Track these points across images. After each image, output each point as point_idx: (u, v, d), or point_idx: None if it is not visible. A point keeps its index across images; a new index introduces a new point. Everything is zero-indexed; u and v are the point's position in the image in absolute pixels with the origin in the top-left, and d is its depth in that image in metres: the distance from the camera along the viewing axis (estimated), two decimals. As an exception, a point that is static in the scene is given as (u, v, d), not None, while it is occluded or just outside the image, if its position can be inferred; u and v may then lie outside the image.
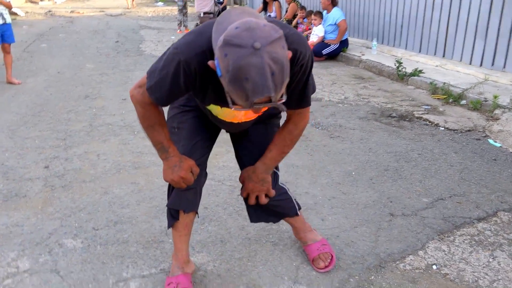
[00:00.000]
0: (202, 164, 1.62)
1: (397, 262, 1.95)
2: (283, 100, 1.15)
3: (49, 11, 16.27)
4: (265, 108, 1.36)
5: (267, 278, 1.82)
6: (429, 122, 3.85)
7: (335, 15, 6.50)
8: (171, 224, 1.69)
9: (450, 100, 4.40)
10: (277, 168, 1.74)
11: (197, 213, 1.71)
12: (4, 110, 4.12)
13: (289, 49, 1.15)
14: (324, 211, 2.35)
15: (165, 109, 1.53)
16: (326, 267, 1.86)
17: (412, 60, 5.93)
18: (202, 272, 1.85)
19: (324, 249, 1.90)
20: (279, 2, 9.25)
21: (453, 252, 2.02)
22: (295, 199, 1.85)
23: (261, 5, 9.60)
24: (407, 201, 2.49)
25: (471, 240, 2.12)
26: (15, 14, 15.03)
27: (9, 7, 5.00)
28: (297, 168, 2.88)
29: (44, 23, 12.28)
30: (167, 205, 1.66)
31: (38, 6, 18.48)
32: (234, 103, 1.15)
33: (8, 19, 4.99)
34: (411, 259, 1.97)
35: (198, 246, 2.03)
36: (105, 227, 2.17)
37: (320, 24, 6.75)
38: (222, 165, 2.90)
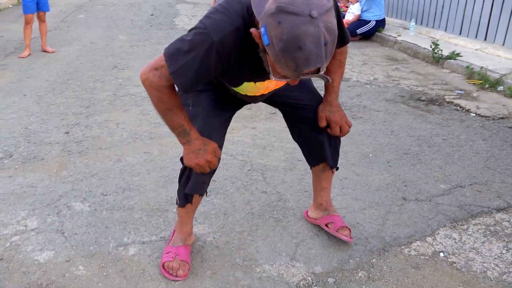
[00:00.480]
0: (220, 147, 1.58)
1: (402, 247, 1.88)
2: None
3: (91, -17, 16.50)
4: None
5: (264, 253, 1.80)
6: (460, 107, 3.66)
7: (372, -9, 6.24)
8: (183, 205, 1.65)
9: (486, 86, 4.16)
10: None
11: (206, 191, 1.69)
12: (35, 77, 4.24)
13: None
14: (334, 191, 2.29)
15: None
16: (350, 237, 1.81)
17: (451, 43, 5.63)
18: (201, 243, 1.85)
19: (345, 224, 1.86)
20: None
21: (464, 241, 1.93)
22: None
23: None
24: (423, 186, 2.39)
25: (486, 230, 2.01)
26: (58, -15, 15.34)
27: None
28: (312, 147, 2.82)
29: (84, -5, 12.50)
30: (185, 192, 1.58)
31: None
32: (276, 74, 1.15)
33: None
34: (417, 245, 1.90)
35: (201, 217, 2.03)
36: (113, 193, 2.21)
37: (357, 2, 6.51)
38: (237, 140, 2.88)
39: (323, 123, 1.69)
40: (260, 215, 2.06)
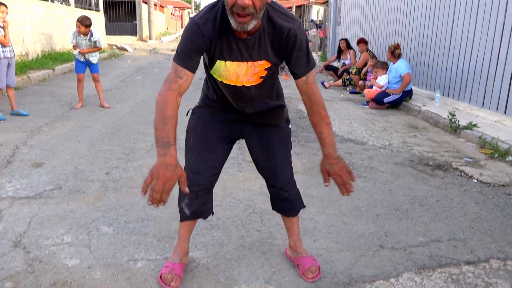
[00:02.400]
0: (210, 181, 2.00)
1: (366, 283, 2.18)
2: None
3: (154, 48, 18.36)
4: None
5: (245, 276, 2.17)
6: (464, 173, 3.91)
7: (399, 67, 6.72)
8: (184, 220, 2.09)
9: (496, 155, 4.38)
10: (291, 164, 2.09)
11: (212, 213, 2.14)
12: (90, 127, 4.99)
13: (280, 26, 1.67)
14: (319, 235, 2.64)
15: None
16: (313, 277, 2.14)
17: (472, 114, 5.91)
18: (195, 264, 2.25)
19: (315, 263, 2.19)
20: (354, 51, 9.65)
21: (424, 284, 2.19)
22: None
23: (335, 54, 10.07)
24: (402, 237, 2.67)
25: (448, 278, 2.26)
26: (125, 50, 17.22)
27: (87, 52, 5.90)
28: (311, 198, 3.19)
29: (146, 59, 13.97)
30: (189, 216, 2.03)
31: (146, 44, 20.90)
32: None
33: (93, 60, 5.99)
34: (380, 283, 2.18)
35: (200, 245, 2.44)
36: (134, 222, 2.69)
37: (385, 74, 7.00)
38: (247, 188, 3.31)
39: (325, 178, 1.85)
40: (250, 248, 2.45)
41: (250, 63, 1.75)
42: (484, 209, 3.15)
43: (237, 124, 2.05)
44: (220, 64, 1.75)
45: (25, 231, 2.54)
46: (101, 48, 6.05)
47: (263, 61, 1.75)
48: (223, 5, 1.63)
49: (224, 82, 1.82)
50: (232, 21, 1.59)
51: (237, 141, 2.14)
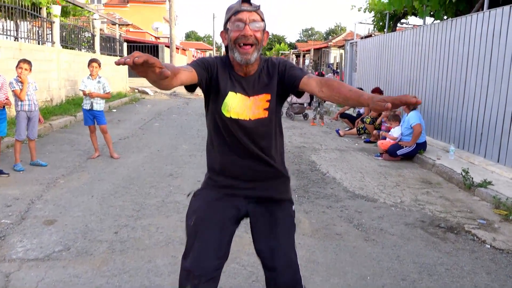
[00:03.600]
0: (216, 272, 1.83)
1: None
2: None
3: (174, 92, 18.83)
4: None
5: None
6: (477, 237, 3.82)
7: (411, 118, 6.74)
8: None
9: (511, 217, 4.27)
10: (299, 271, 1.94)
11: None
12: (105, 180, 5.11)
13: (272, 62, 1.97)
14: (321, 308, 2.60)
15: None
16: None
17: (487, 170, 5.82)
18: None
19: None
20: (369, 100, 9.70)
21: None
22: None
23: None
24: (408, 313, 2.61)
25: None
26: (146, 93, 17.74)
27: (94, 96, 6.01)
28: (317, 265, 3.15)
29: (165, 103, 14.34)
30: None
31: (166, 87, 21.38)
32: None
33: (98, 107, 6.11)
34: None
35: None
36: (137, 290, 2.71)
37: (398, 126, 7.01)
38: (251, 252, 3.29)
39: (387, 105, 1.44)
40: (249, 323, 2.42)
41: (252, 98, 1.93)
42: (496, 280, 3.06)
43: (242, 203, 2.01)
44: (232, 96, 1.91)
45: (30, 297, 2.58)
46: (109, 96, 6.27)
47: (263, 95, 1.94)
48: (228, 56, 1.94)
49: (232, 117, 1.90)
50: (236, 55, 1.84)
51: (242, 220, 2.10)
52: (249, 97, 1.93)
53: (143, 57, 1.30)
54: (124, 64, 1.32)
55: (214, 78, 1.91)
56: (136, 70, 1.36)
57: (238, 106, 1.90)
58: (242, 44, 1.81)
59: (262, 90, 1.94)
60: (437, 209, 4.55)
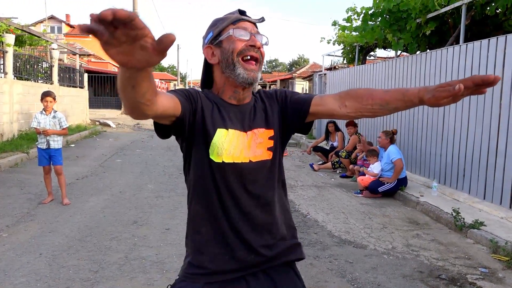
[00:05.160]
0: None
1: None
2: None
3: (138, 123, 18.16)
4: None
5: None
6: (483, 291, 3.42)
7: (391, 152, 6.44)
8: None
9: (513, 264, 3.92)
10: None
11: None
12: (57, 231, 4.41)
13: (267, 93, 1.56)
14: None
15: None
16: None
17: (475, 208, 5.53)
18: None
19: None
20: (342, 133, 9.46)
21: None
22: None
23: (323, 135, 9.88)
24: None
25: None
26: (108, 125, 16.97)
27: (49, 134, 5.26)
28: None
29: (128, 136, 13.63)
30: None
31: (130, 118, 20.75)
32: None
33: (56, 145, 5.37)
34: None
35: None
36: None
37: (377, 161, 6.70)
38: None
39: (460, 86, 1.12)
40: None
41: (250, 133, 1.45)
42: None
43: (242, 283, 1.45)
44: (221, 134, 1.40)
45: None
46: (66, 132, 5.57)
47: (264, 130, 1.48)
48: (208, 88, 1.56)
49: (225, 161, 1.39)
50: (239, 71, 1.39)
51: None
52: (246, 132, 1.44)
53: (130, 13, 0.74)
54: (92, 29, 0.73)
55: (198, 111, 1.39)
56: (114, 45, 0.78)
57: (232, 145, 1.41)
58: (249, 57, 1.40)
59: (262, 123, 1.49)
60: (433, 256, 4.15)
